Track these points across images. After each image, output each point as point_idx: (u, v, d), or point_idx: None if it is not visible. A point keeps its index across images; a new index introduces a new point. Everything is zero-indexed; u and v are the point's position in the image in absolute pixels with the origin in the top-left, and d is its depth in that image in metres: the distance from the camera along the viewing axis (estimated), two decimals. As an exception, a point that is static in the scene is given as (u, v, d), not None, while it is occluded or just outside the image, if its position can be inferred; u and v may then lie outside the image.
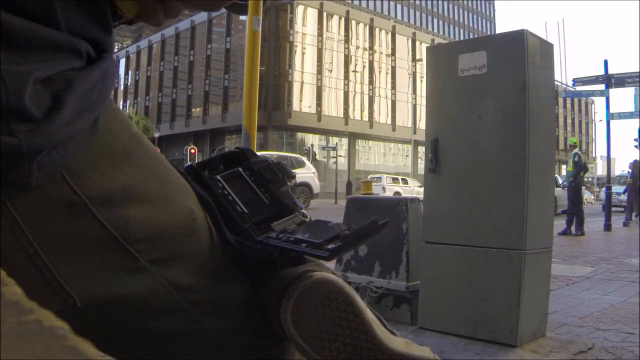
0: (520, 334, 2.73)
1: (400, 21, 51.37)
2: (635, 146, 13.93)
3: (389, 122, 44.26)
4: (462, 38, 54.26)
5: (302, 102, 39.04)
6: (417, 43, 46.11)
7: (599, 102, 53.66)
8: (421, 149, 34.72)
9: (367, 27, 43.24)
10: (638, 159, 9.92)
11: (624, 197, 15.40)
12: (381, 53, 44.46)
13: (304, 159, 20.68)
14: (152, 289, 0.56)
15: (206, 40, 43.13)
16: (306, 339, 0.64)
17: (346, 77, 41.37)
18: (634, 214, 12.10)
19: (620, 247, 8.07)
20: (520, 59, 2.77)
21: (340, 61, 41.28)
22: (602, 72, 11.72)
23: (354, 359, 0.64)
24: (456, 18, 62.34)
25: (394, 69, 44.87)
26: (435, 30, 57.38)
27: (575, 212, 9.74)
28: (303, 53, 39.53)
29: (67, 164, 0.49)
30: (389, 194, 25.59)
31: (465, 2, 63.50)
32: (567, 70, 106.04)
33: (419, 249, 3.24)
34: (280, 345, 0.70)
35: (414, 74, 43.86)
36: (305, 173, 18.63)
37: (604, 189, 15.07)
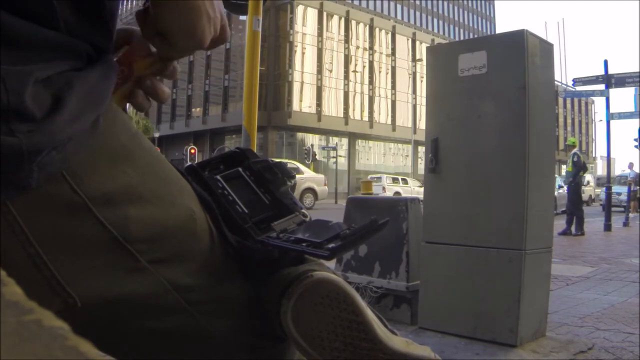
0: (520, 334, 2.73)
1: (400, 21, 51.35)
2: (635, 146, 13.93)
3: (389, 122, 44.25)
4: (462, 38, 54.26)
5: (302, 102, 39.02)
6: (417, 43, 46.09)
7: (599, 102, 53.69)
8: (421, 149, 34.71)
9: (367, 27, 43.23)
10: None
11: (624, 197, 15.42)
12: (381, 53, 44.44)
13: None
14: (152, 289, 0.56)
15: (206, 40, 43.03)
16: (306, 339, 0.64)
17: (346, 77, 41.35)
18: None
19: (620, 247, 8.06)
20: (520, 59, 2.77)
21: (340, 61, 41.26)
22: (602, 72, 11.72)
23: (354, 358, 0.64)
24: (456, 18, 62.33)
25: (394, 69, 44.86)
26: (435, 30, 57.36)
27: (575, 211, 9.74)
28: (303, 53, 39.51)
29: (67, 164, 0.49)
30: (389, 194, 25.56)
31: (465, 2, 63.48)
32: (567, 70, 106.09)
33: (419, 249, 3.24)
34: (280, 345, 0.70)
35: (414, 74, 43.84)
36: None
37: (603, 189, 15.06)
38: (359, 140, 42.77)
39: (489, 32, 60.44)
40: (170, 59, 0.64)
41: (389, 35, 44.90)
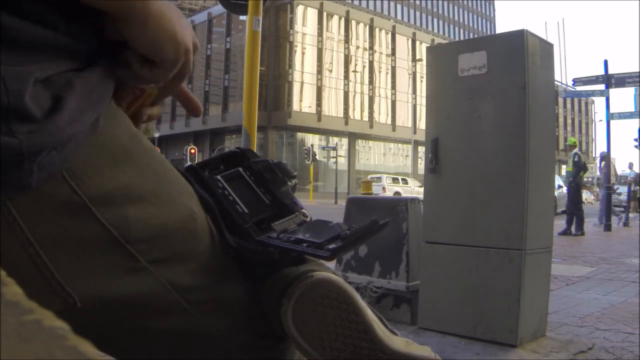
0: (520, 334, 2.73)
1: (400, 21, 51.35)
2: (635, 146, 13.93)
3: (389, 122, 44.26)
4: (462, 38, 54.25)
5: (302, 102, 39.03)
6: (417, 43, 46.10)
7: (599, 102, 53.67)
8: (421, 149, 34.70)
9: (367, 27, 43.24)
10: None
11: (624, 197, 15.42)
12: (381, 53, 44.45)
13: None
14: (152, 289, 0.56)
15: (206, 40, 43.12)
16: (307, 339, 0.64)
17: (346, 77, 41.36)
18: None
19: (620, 247, 8.06)
20: (520, 59, 2.77)
21: (340, 61, 41.28)
22: (602, 72, 11.72)
23: (354, 358, 0.64)
24: (456, 18, 62.33)
25: (394, 69, 44.87)
26: (435, 30, 57.37)
27: (575, 211, 9.75)
28: (303, 53, 39.52)
29: (67, 164, 0.49)
30: (389, 194, 25.56)
31: (465, 2, 63.49)
32: (567, 70, 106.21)
33: (419, 249, 3.24)
34: (280, 345, 0.70)
35: (414, 74, 43.85)
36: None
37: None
38: (359, 140, 42.78)
39: (489, 32, 60.45)
40: (167, 83, 0.60)
41: (389, 35, 44.91)
